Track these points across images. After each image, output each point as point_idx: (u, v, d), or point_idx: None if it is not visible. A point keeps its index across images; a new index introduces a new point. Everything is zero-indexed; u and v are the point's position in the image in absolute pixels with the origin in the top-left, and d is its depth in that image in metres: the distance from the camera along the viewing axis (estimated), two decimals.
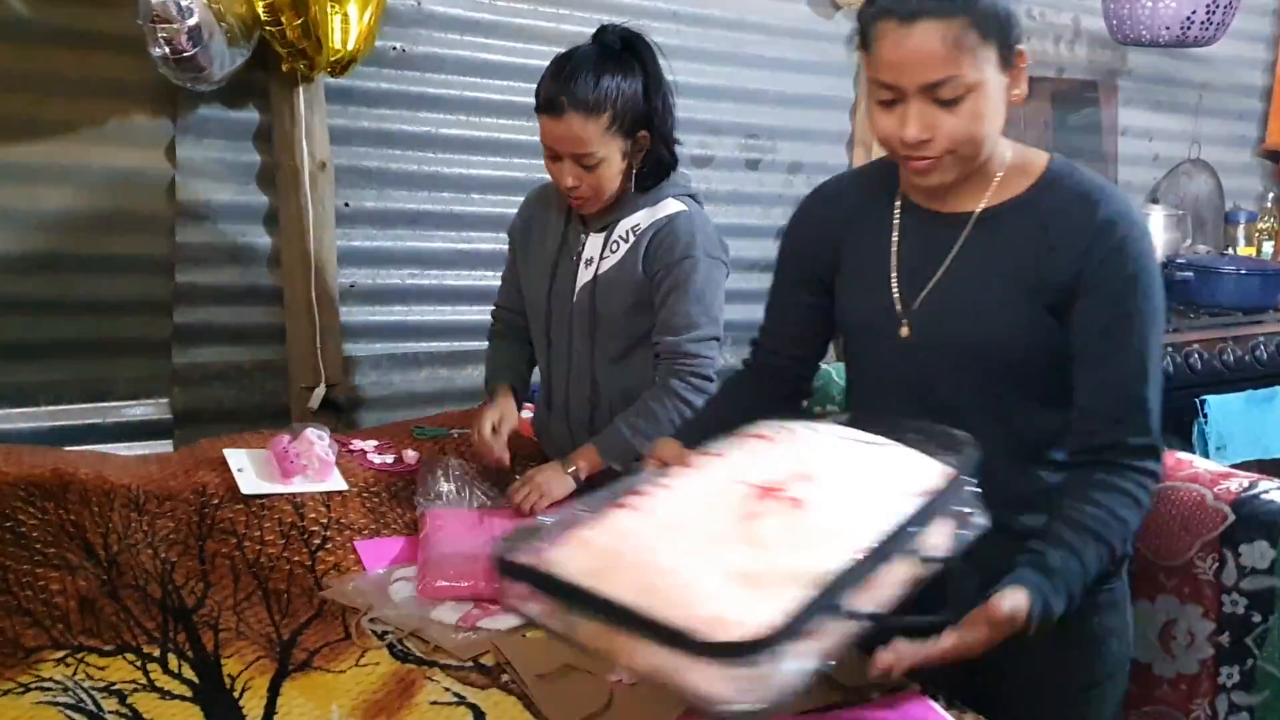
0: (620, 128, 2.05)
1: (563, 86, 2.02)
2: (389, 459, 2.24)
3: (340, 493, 2.06)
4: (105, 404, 2.59)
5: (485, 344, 2.44)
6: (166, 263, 2.59)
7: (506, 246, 2.39)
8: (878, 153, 3.40)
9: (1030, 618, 1.29)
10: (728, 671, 0.97)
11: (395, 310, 2.90)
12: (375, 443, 2.31)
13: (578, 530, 1.16)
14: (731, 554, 1.09)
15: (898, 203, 1.59)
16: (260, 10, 2.30)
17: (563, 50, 2.77)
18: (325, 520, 1.98)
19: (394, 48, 2.75)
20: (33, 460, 1.94)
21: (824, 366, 2.72)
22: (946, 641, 1.27)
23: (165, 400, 2.65)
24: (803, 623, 1.00)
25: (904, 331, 1.55)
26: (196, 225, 2.60)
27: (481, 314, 2.78)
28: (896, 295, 1.56)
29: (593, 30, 2.70)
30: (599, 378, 2.23)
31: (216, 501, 1.96)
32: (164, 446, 2.58)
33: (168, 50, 2.09)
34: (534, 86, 2.82)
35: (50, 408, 2.53)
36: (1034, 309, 1.48)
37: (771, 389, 1.79)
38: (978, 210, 1.52)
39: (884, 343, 1.58)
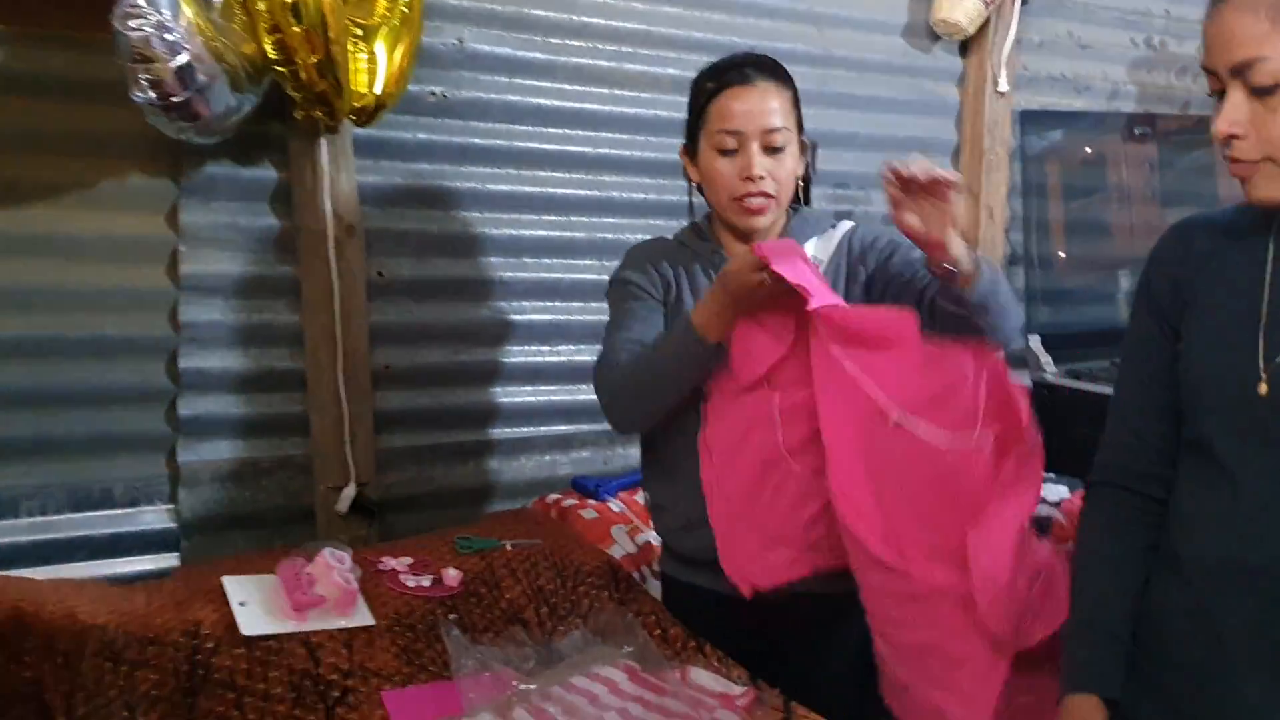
0: (798, 116, 1.96)
1: (742, 62, 1.93)
2: (426, 581, 2.06)
3: (365, 629, 1.89)
4: (99, 512, 2.47)
5: (540, 430, 2.53)
6: (169, 345, 2.49)
7: (605, 302, 2.13)
8: (985, 204, 3.21)
9: None
10: None
11: (436, 394, 2.78)
12: (410, 559, 2.16)
13: None
14: None
15: (1272, 240, 1.45)
16: (269, 47, 2.15)
17: (627, 94, 2.91)
18: (346, 667, 1.78)
19: (432, 93, 2.67)
20: None
21: None
22: None
23: (170, 506, 2.54)
24: None
25: (1262, 389, 1.40)
26: (204, 301, 2.50)
27: (537, 396, 2.83)
28: (1260, 345, 1.40)
29: (657, 70, 2.92)
30: None
31: (211, 645, 1.78)
32: (170, 560, 2.49)
33: (154, 95, 1.97)
34: (594, 135, 2.92)
35: (33, 519, 2.41)
36: None
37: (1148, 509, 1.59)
38: None
39: (1235, 401, 1.44)
